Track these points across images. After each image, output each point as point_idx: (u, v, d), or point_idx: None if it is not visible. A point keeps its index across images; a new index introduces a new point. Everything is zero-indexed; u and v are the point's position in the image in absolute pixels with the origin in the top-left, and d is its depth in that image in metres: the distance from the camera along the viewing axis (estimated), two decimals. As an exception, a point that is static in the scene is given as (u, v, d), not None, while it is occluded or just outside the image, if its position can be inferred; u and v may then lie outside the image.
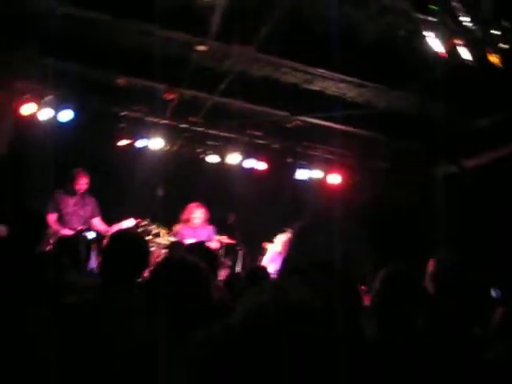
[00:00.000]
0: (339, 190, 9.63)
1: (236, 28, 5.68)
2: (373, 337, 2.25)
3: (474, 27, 4.42)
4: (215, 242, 8.04)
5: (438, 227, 7.27)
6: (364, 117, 7.75)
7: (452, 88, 6.23)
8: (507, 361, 2.55)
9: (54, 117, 8.08)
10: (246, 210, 9.16)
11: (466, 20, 4.38)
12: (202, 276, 2.27)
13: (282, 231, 7.71)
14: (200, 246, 4.18)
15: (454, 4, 4.28)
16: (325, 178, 9.76)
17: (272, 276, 5.37)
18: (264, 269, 5.48)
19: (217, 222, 8.37)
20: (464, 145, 7.95)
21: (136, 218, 7.82)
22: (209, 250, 4.32)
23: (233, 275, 7.08)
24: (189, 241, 7.03)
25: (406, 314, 2.30)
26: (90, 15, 5.87)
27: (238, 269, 8.70)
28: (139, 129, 8.77)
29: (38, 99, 7.98)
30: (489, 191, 7.52)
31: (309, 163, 9.66)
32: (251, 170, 9.48)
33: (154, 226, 8.25)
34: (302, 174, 9.69)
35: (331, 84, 7.27)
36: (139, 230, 7.82)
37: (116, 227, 7.23)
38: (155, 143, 8.83)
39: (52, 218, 7.08)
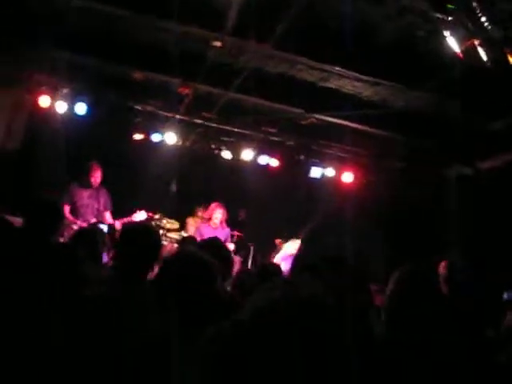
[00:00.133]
0: (353, 189, 9.60)
1: (252, 24, 5.67)
2: (383, 335, 2.25)
3: (492, 27, 4.38)
4: (230, 243, 8.08)
5: (452, 228, 7.24)
6: (380, 116, 7.70)
7: (468, 88, 6.17)
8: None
9: (70, 110, 8.15)
10: (258, 207, 9.17)
11: (484, 20, 4.34)
12: (211, 272, 2.27)
13: (298, 235, 7.71)
14: (213, 243, 4.17)
15: (473, 4, 4.24)
16: (339, 176, 9.73)
17: (283, 274, 5.37)
18: (276, 265, 5.47)
19: (228, 217, 8.39)
20: (479, 146, 7.89)
21: (148, 212, 7.86)
22: (222, 246, 4.32)
23: (243, 271, 7.09)
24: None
25: (421, 315, 2.28)
26: (107, 9, 5.89)
27: (249, 265, 8.72)
28: (154, 123, 8.81)
29: (54, 92, 8.06)
30: (503, 193, 7.46)
31: (323, 161, 9.64)
32: (265, 166, 9.48)
33: (165, 221, 8.29)
34: (315, 172, 9.67)
35: (347, 82, 7.23)
36: (151, 220, 7.88)
37: (127, 220, 7.28)
38: (169, 138, 8.86)
39: (66, 209, 7.15)
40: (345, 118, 8.03)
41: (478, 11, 4.25)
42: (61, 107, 8.10)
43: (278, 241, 8.41)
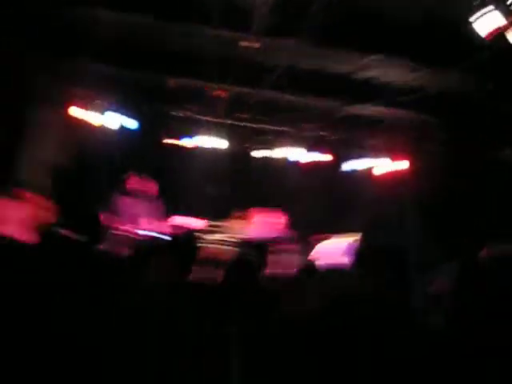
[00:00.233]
0: (396, 178, 9.45)
1: (281, 21, 5.66)
2: (441, 327, 2.21)
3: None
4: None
5: (495, 213, 7.06)
6: (417, 101, 7.56)
7: (504, 69, 6.02)
8: None
9: (111, 122, 8.29)
10: (297, 203, 9.14)
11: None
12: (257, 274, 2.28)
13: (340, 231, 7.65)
14: (262, 245, 4.24)
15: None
16: (379, 167, 9.60)
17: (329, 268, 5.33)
18: (313, 263, 5.45)
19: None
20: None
21: (189, 216, 7.96)
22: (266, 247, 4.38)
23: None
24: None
25: (481, 305, 2.23)
26: (137, 20, 5.98)
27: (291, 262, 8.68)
28: (191, 128, 8.90)
29: (91, 105, 8.21)
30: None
31: (362, 153, 9.54)
32: (303, 163, 9.45)
33: (207, 224, 8.37)
34: (355, 165, 9.58)
35: (380, 71, 7.14)
36: (197, 228, 7.97)
37: (175, 227, 7.39)
38: (207, 141, 8.93)
39: (107, 217, 7.29)
40: (381, 107, 7.92)
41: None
42: (100, 120, 8.24)
43: (316, 237, 8.35)
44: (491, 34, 4.47)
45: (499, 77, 6.22)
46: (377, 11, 5.56)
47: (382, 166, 9.57)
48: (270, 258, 4.51)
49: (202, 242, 7.72)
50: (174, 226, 7.72)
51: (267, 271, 4.06)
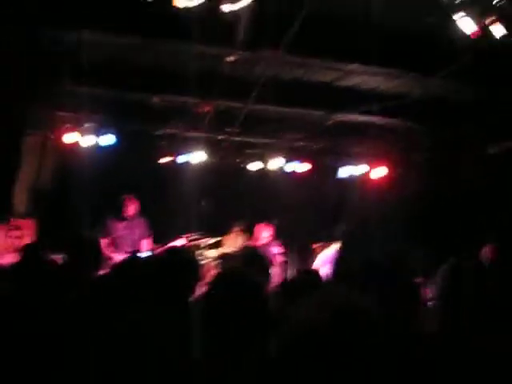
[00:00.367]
0: (383, 185, 9.50)
1: (262, 34, 5.69)
2: (435, 333, 2.21)
3: (506, 4, 4.31)
4: (280, 258, 8.10)
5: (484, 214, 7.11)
6: (400, 108, 7.61)
7: (484, 72, 6.09)
8: None
9: (96, 143, 8.28)
10: (290, 215, 9.15)
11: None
12: (260, 291, 2.24)
13: (335, 238, 7.66)
14: (256, 257, 4.19)
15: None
16: (368, 173, 9.64)
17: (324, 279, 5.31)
18: (315, 272, 5.43)
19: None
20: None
21: (183, 234, 7.94)
22: (263, 259, 4.35)
23: (282, 281, 7.05)
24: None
25: (473, 308, 2.23)
26: (119, 40, 6.00)
27: (287, 273, 8.68)
28: (179, 145, 8.89)
29: (78, 128, 8.20)
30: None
31: (350, 160, 9.58)
32: (293, 173, 9.47)
33: (201, 240, 8.34)
34: (344, 172, 9.61)
35: (363, 78, 7.19)
36: (189, 244, 7.94)
37: (165, 247, 7.35)
38: (196, 157, 8.93)
39: (103, 243, 7.25)
40: (366, 115, 7.97)
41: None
42: (87, 141, 8.23)
43: (315, 246, 8.35)
44: (476, 31, 4.50)
45: (482, 81, 6.29)
46: (359, 19, 5.60)
47: (369, 172, 9.61)
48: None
49: (201, 259, 7.71)
50: (167, 246, 7.69)
51: (270, 285, 4.05)
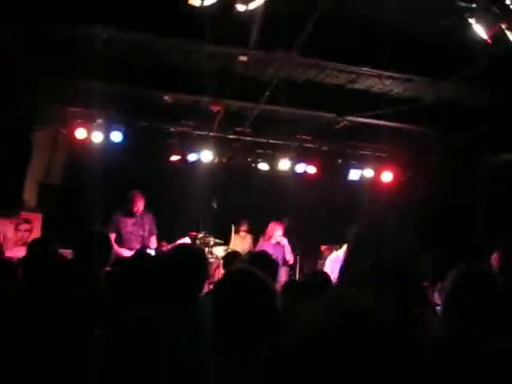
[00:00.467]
0: (393, 188, 9.48)
1: (276, 35, 5.69)
2: (444, 336, 2.20)
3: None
4: (290, 257, 8.07)
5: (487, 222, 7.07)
6: (412, 112, 7.59)
7: (499, 76, 6.06)
8: None
9: (106, 139, 8.31)
10: (300, 216, 9.14)
11: (509, 2, 4.25)
12: (268, 290, 2.24)
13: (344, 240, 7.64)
14: (263, 257, 4.20)
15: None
16: (378, 176, 9.62)
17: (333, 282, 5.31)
18: (324, 274, 5.42)
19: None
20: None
21: (192, 232, 7.94)
22: (271, 260, 4.35)
23: (291, 281, 7.06)
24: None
25: (481, 313, 2.22)
26: (132, 37, 6.02)
27: (296, 274, 8.68)
28: (189, 143, 8.90)
29: (90, 123, 8.24)
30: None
31: (360, 163, 9.56)
32: (303, 174, 9.46)
33: (210, 238, 8.35)
34: (354, 175, 9.59)
35: (376, 81, 7.17)
36: (196, 242, 7.95)
37: (173, 245, 7.35)
38: (206, 156, 8.94)
39: (112, 238, 7.27)
40: (377, 118, 7.95)
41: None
42: (97, 137, 8.27)
43: (323, 247, 8.35)
44: (492, 33, 4.46)
45: (497, 85, 6.26)
46: (372, 23, 5.58)
47: (382, 175, 9.59)
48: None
49: (210, 258, 7.72)
50: (164, 242, 7.72)
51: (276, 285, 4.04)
